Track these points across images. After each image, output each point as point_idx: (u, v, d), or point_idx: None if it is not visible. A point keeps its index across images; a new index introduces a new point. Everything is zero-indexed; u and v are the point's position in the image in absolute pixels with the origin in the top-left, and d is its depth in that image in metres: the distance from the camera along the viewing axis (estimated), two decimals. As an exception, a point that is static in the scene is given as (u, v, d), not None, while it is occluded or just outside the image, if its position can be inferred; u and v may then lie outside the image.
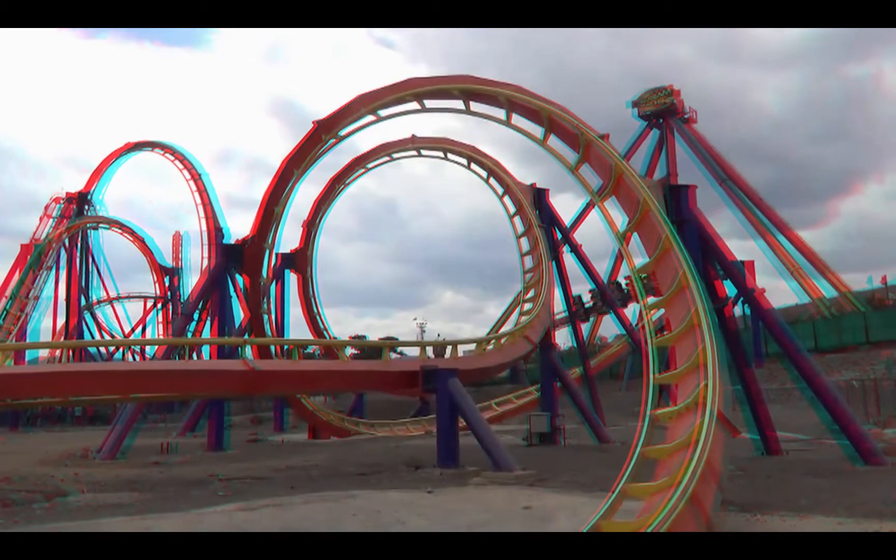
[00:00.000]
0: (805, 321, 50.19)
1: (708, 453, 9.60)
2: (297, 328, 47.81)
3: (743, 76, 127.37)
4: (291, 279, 41.62)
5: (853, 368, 39.16)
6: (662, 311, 15.33)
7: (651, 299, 15.53)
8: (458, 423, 20.37)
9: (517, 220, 34.95)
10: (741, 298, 25.42)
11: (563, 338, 49.44)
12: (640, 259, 16.34)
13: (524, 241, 34.32)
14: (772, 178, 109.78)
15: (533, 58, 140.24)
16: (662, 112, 60.42)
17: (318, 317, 42.89)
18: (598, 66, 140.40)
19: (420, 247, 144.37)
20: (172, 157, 60.27)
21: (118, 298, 68.11)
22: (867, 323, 46.09)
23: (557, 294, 32.59)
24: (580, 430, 29.71)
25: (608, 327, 60.84)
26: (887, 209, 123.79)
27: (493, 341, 28.45)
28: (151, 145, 60.58)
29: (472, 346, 28.92)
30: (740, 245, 71.65)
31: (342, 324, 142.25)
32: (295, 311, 42.25)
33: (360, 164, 38.83)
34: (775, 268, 55.77)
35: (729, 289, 21.13)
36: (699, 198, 20.67)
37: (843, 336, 46.00)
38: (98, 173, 62.06)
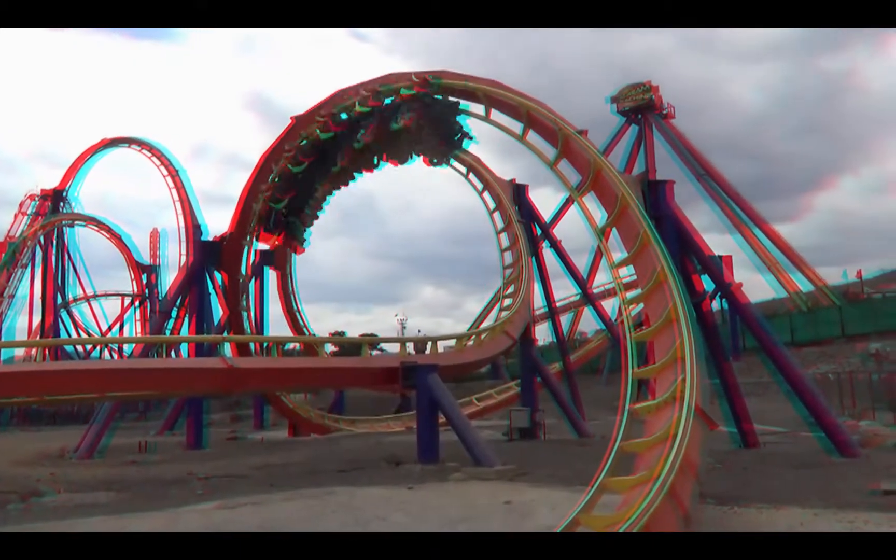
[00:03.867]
0: (782, 315, 50.71)
1: (686, 447, 9.66)
2: (277, 325, 47.49)
3: (720, 71, 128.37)
4: (270, 276, 41.40)
5: (829, 361, 39.64)
6: (641, 305, 15.45)
7: (630, 294, 15.63)
8: (438, 419, 20.39)
9: (497, 215, 34.98)
10: (719, 293, 25.66)
11: (543, 333, 49.60)
12: (618, 254, 16.44)
13: (504, 237, 34.36)
14: (748, 173, 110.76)
15: (511, 52, 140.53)
16: (641, 108, 60.58)
17: (297, 314, 42.69)
18: (577, 62, 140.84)
19: (399, 242, 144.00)
20: (149, 154, 59.51)
21: (95, 296, 67.22)
22: (843, 317, 46.65)
23: (537, 289, 32.70)
24: (560, 425, 29.84)
25: (588, 322, 61.06)
26: (862, 203, 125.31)
27: (473, 337, 28.49)
28: (128, 141, 59.85)
29: (453, 342, 28.95)
30: (718, 240, 72.05)
31: (322, 320, 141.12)
32: (274, 309, 42.12)
33: (338, 159, 38.56)
34: (752, 262, 56.33)
35: (707, 283, 21.29)
36: (677, 193, 20.83)
37: (819, 329, 46.50)
38: (73, 170, 61.21)
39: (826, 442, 18.49)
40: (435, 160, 23.51)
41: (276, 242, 24.49)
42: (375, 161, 24.36)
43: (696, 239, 20.46)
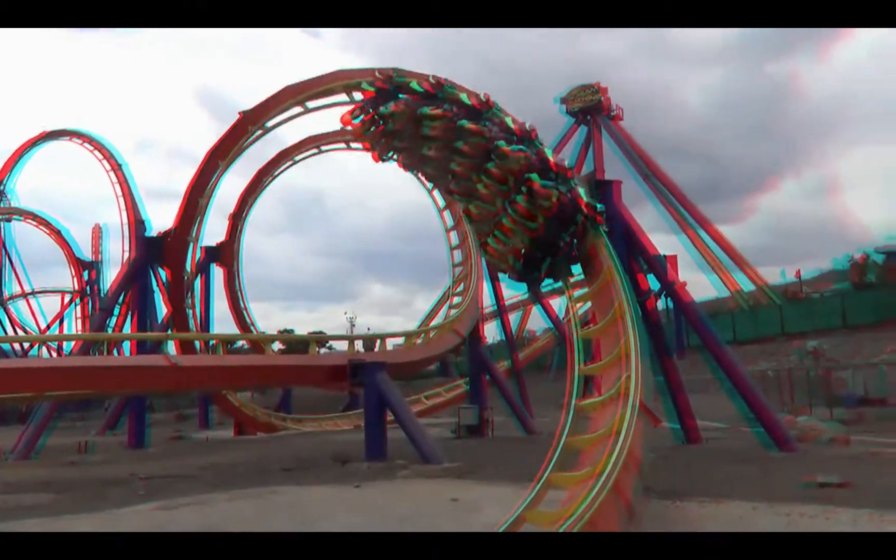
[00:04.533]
0: (725, 314, 51.86)
1: (630, 442, 9.79)
2: (223, 323, 46.80)
3: (669, 74, 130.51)
4: (216, 273, 40.68)
5: (769, 359, 40.63)
6: (588, 303, 15.63)
7: (577, 292, 15.79)
8: (386, 417, 20.33)
9: (447, 214, 35.07)
10: (664, 292, 26.11)
11: (491, 331, 49.84)
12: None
13: (453, 235, 34.52)
14: (694, 175, 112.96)
15: (464, 51, 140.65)
16: (590, 109, 61.43)
17: (244, 311, 42.09)
18: (528, 61, 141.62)
19: (349, 240, 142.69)
20: (91, 147, 57.85)
21: (33, 293, 65.57)
22: (782, 315, 47.95)
23: (486, 287, 32.85)
24: (508, 422, 30.02)
25: (536, 320, 61.62)
26: (802, 205, 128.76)
27: (421, 335, 28.50)
28: (68, 134, 58.08)
29: (402, 340, 28.92)
30: (664, 240, 73.39)
31: (269, 318, 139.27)
32: (220, 306, 41.47)
33: (287, 156, 38.29)
34: (696, 262, 57.50)
35: (652, 282, 21.60)
36: (624, 193, 21.06)
37: (759, 328, 47.68)
38: (10, 162, 59.32)
39: (765, 437, 18.94)
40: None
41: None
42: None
43: (642, 238, 20.72)
